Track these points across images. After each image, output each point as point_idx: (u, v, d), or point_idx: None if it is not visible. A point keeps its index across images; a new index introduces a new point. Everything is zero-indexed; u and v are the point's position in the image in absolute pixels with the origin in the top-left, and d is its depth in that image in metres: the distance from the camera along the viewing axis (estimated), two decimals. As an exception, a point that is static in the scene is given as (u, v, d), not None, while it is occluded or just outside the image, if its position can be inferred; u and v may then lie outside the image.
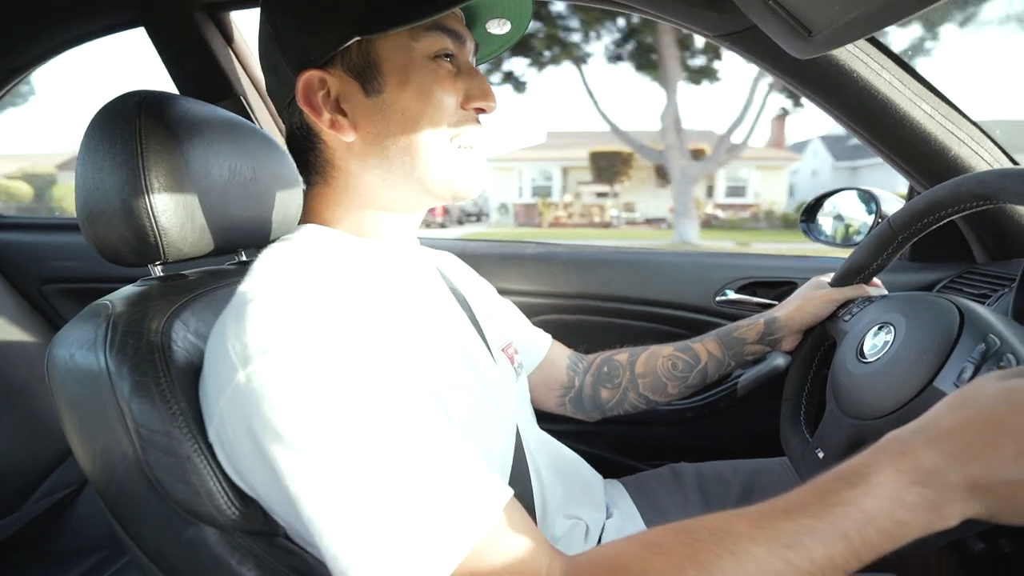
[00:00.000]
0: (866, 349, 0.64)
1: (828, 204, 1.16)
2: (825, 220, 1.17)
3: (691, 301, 1.10)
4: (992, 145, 0.85)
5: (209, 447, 0.47)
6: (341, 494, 0.38)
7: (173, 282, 0.58)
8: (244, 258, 0.74)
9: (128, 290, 0.56)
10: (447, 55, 0.53)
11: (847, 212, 1.14)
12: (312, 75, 0.51)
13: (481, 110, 0.55)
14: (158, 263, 0.58)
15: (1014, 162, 0.87)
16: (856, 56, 0.79)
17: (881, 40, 0.81)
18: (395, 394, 0.42)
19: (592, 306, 1.13)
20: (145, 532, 0.50)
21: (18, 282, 1.30)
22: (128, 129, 0.52)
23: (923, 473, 0.36)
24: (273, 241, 0.63)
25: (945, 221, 0.65)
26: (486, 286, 0.83)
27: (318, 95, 0.52)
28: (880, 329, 0.64)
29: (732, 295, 1.08)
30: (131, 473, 0.48)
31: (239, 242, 0.67)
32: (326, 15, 0.50)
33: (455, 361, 0.56)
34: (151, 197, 0.52)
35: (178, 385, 0.48)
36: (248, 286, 0.46)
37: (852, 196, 1.12)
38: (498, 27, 0.59)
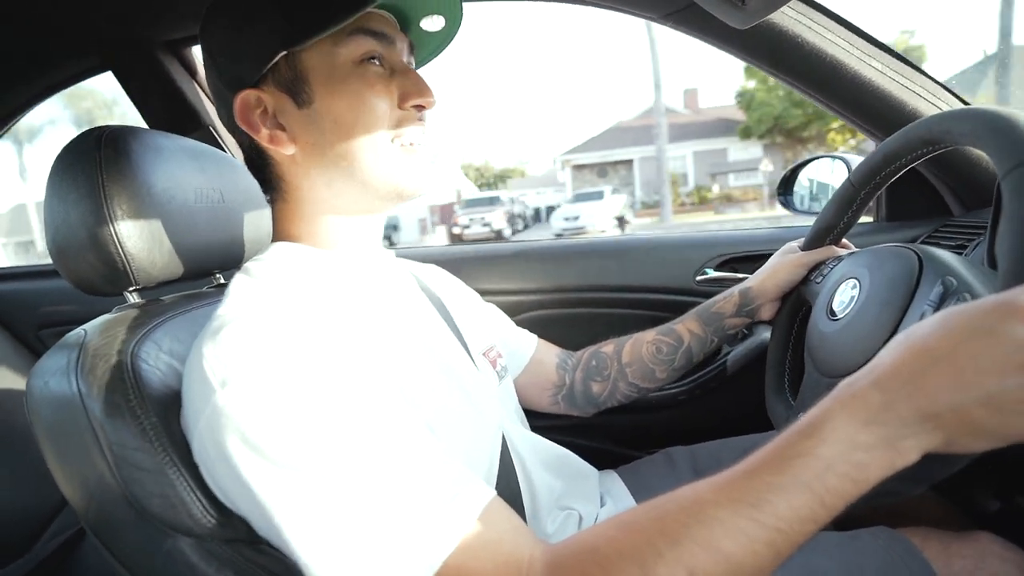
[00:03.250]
0: (835, 306, 0.64)
1: (802, 174, 1.17)
2: (800, 190, 1.17)
3: (672, 283, 1.10)
4: (948, 95, 0.85)
5: (182, 460, 0.48)
6: (316, 508, 0.39)
7: (148, 307, 0.60)
8: (221, 280, 0.75)
9: (102, 318, 0.57)
10: (374, 57, 0.54)
11: (821, 179, 1.14)
12: (247, 94, 0.53)
13: (420, 107, 0.56)
14: (131, 289, 0.59)
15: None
16: (799, 21, 0.80)
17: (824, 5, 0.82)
18: (366, 407, 0.43)
19: (574, 298, 1.14)
20: (126, 549, 0.51)
21: (16, 330, 1.33)
22: (89, 162, 0.54)
23: (873, 411, 0.36)
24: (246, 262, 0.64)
25: (902, 172, 0.65)
26: (469, 293, 0.84)
27: (255, 113, 0.53)
28: (847, 285, 0.64)
29: (712, 273, 1.08)
30: (108, 491, 0.49)
31: (213, 264, 0.68)
32: (250, 35, 0.52)
33: (429, 366, 0.57)
34: (115, 225, 0.54)
35: (148, 402, 0.49)
36: (223, 309, 0.48)
37: (825, 163, 1.13)
38: (431, 24, 0.60)
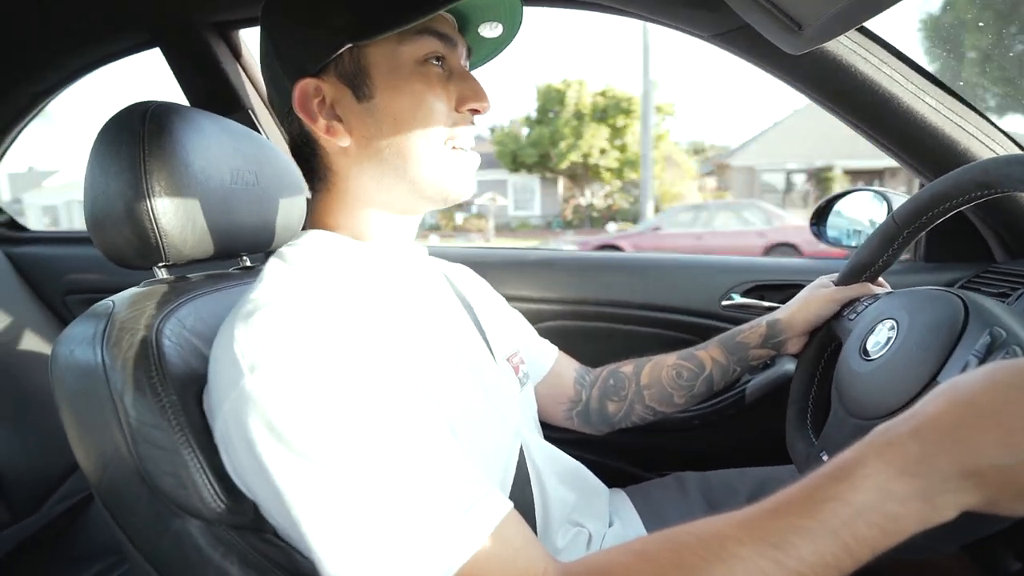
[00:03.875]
0: (869, 346, 0.62)
1: (838, 206, 1.14)
2: (835, 222, 1.15)
3: (696, 306, 1.08)
4: (1002, 136, 0.82)
5: (197, 441, 0.48)
6: (336, 503, 0.39)
7: (175, 284, 0.60)
8: (248, 263, 0.76)
9: (131, 291, 0.58)
10: (437, 58, 0.54)
11: (858, 213, 1.11)
12: (307, 83, 0.53)
13: (476, 111, 0.56)
14: (161, 265, 0.60)
15: None
16: (854, 51, 0.78)
17: (881, 36, 0.80)
18: (393, 405, 0.43)
19: (595, 312, 1.13)
20: (135, 524, 0.51)
21: (43, 293, 1.36)
22: (132, 137, 0.54)
23: (911, 462, 0.35)
24: (275, 246, 0.64)
25: (951, 213, 0.63)
26: (496, 296, 0.84)
27: (313, 102, 0.53)
28: (883, 325, 0.62)
29: (738, 299, 1.06)
30: (122, 465, 0.49)
31: (242, 247, 0.68)
32: (318, 25, 0.52)
33: (455, 364, 0.57)
34: (152, 200, 0.54)
35: (169, 380, 0.49)
36: (258, 293, 0.48)
37: (864, 197, 1.10)
38: (490, 30, 0.60)
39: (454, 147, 0.56)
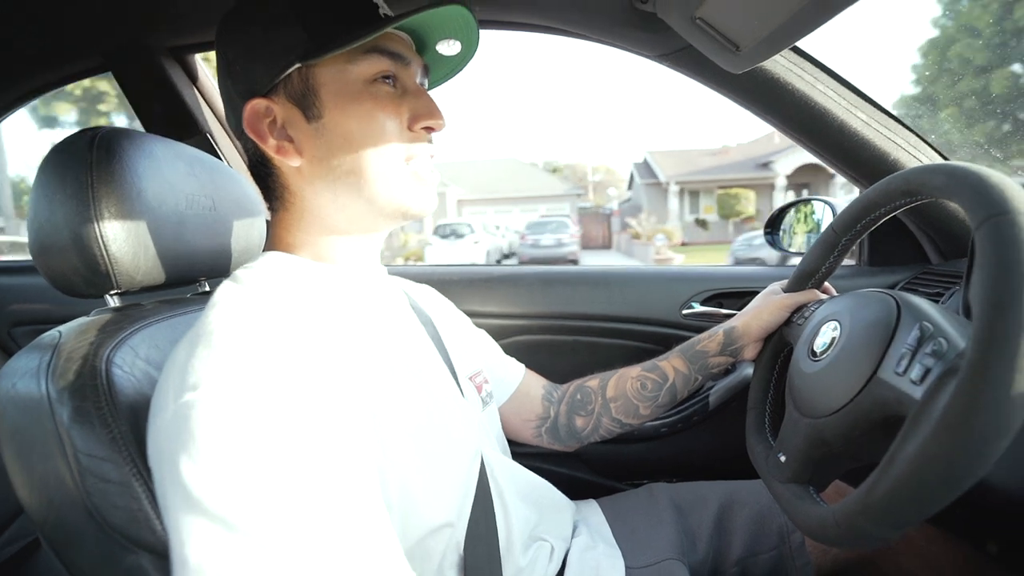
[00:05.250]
0: (816, 347, 0.64)
1: (789, 215, 1.20)
2: (786, 230, 1.20)
3: (658, 316, 1.11)
4: (928, 148, 0.88)
5: (149, 472, 0.46)
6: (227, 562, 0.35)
7: (127, 311, 0.59)
8: (206, 288, 0.75)
9: (79, 320, 0.56)
10: (387, 77, 0.54)
11: (804, 220, 1.17)
12: (257, 103, 0.53)
13: (430, 128, 0.57)
14: (113, 293, 0.58)
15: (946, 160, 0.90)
16: (790, 70, 0.83)
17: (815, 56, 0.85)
18: (326, 469, 0.39)
19: (560, 325, 1.14)
20: (84, 563, 0.49)
21: None
22: (80, 163, 0.53)
23: None
24: (234, 270, 0.63)
25: (882, 220, 0.67)
26: (460, 316, 0.84)
27: (264, 122, 0.53)
28: (828, 327, 0.65)
29: (698, 308, 1.09)
30: (68, 501, 0.47)
31: (199, 272, 0.67)
32: (267, 44, 0.52)
33: (408, 387, 0.56)
34: (101, 226, 0.53)
35: (119, 410, 0.48)
36: (209, 317, 0.46)
37: (810, 206, 1.16)
38: (448, 48, 0.61)
39: (410, 164, 0.56)
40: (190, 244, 0.63)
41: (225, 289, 0.52)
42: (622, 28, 0.83)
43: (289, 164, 0.54)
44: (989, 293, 0.40)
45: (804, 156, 16.14)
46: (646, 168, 22.74)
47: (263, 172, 0.57)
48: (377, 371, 0.53)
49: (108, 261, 0.54)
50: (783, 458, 0.64)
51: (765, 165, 18.79)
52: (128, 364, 0.51)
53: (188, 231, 0.62)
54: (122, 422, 0.47)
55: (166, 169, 0.60)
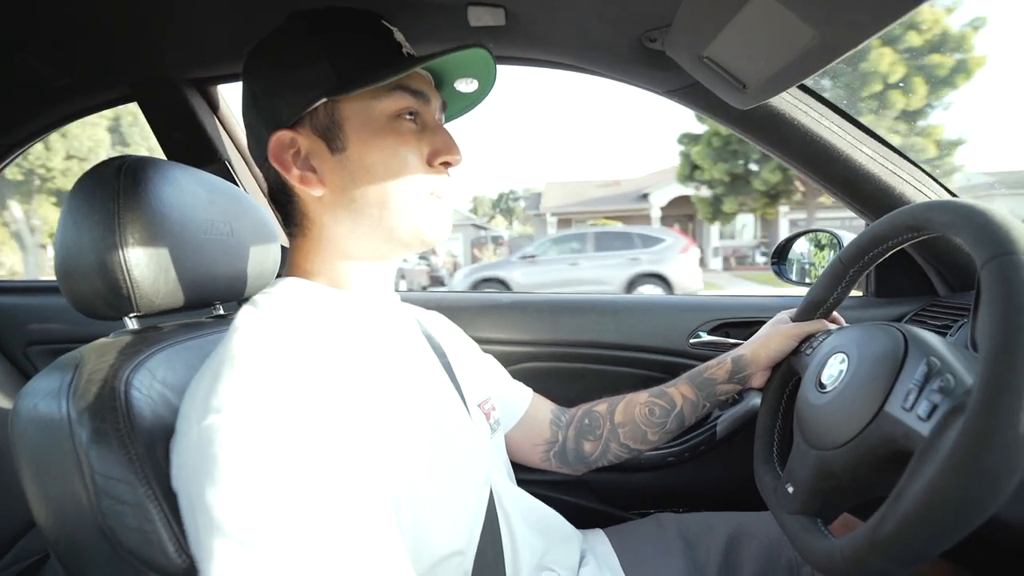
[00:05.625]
0: (824, 379, 0.64)
1: (796, 245, 1.21)
2: (793, 260, 1.21)
3: (665, 344, 1.11)
4: (933, 182, 0.89)
5: (164, 494, 0.47)
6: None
7: (146, 333, 0.60)
8: (221, 311, 0.76)
9: (100, 342, 0.57)
10: (410, 113, 0.56)
11: (812, 252, 1.18)
12: (283, 135, 0.55)
13: (448, 164, 0.59)
14: (132, 315, 0.59)
15: (953, 196, 0.91)
16: (796, 106, 0.85)
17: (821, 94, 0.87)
18: (337, 492, 0.41)
19: (568, 353, 1.15)
20: None
21: (3, 345, 1.31)
22: (107, 190, 0.55)
23: None
24: (248, 294, 0.64)
25: (889, 253, 0.68)
26: (469, 342, 0.85)
27: (288, 153, 0.55)
28: (835, 358, 0.65)
29: (705, 337, 1.10)
30: (83, 521, 0.48)
31: (215, 296, 0.69)
32: (295, 79, 0.54)
33: (421, 414, 0.57)
34: (125, 251, 0.55)
35: (137, 431, 0.49)
36: (232, 342, 0.48)
37: (817, 237, 1.17)
38: (466, 86, 0.63)
39: (432, 195, 0.58)
40: (208, 269, 0.65)
41: (246, 314, 0.54)
42: (632, 65, 0.86)
43: (311, 193, 0.56)
44: (995, 332, 0.41)
45: (677, 188, 17.06)
46: (536, 198, 23.64)
47: (283, 200, 0.59)
48: (392, 398, 0.54)
49: (130, 285, 0.56)
50: (791, 489, 0.64)
51: (644, 196, 19.52)
52: (146, 386, 0.52)
53: (207, 256, 0.64)
54: (139, 444, 0.48)
55: (188, 196, 0.62)
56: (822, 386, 0.64)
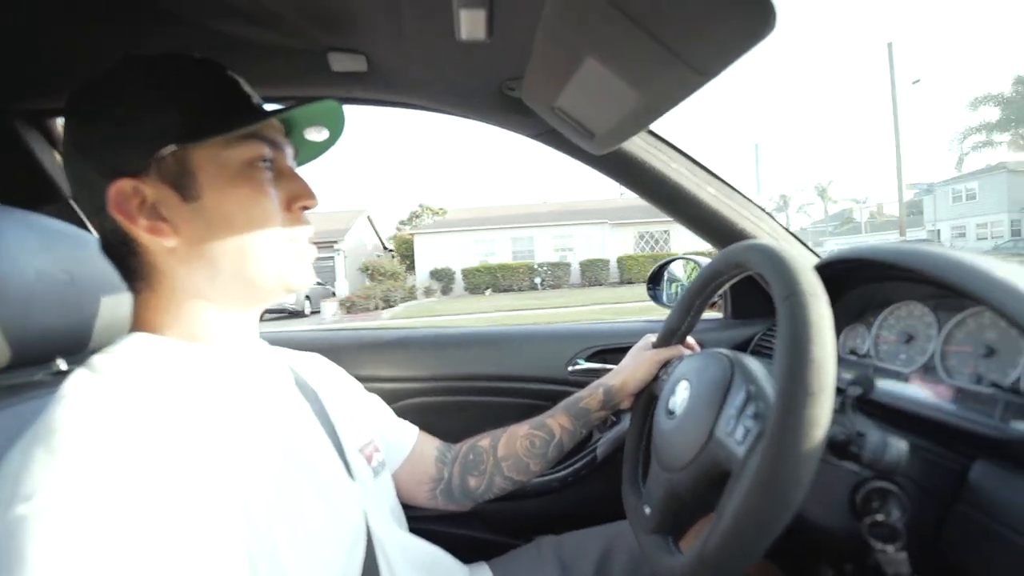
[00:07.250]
0: (671, 405, 0.69)
1: (667, 271, 1.31)
2: (664, 285, 1.31)
3: (545, 373, 1.15)
4: (770, 220, 1.01)
5: None
6: None
7: None
8: (63, 367, 0.68)
9: None
10: (264, 160, 0.55)
11: (679, 277, 1.28)
12: (124, 184, 0.51)
13: (305, 207, 0.58)
14: None
15: (791, 233, 1.04)
16: (647, 151, 0.93)
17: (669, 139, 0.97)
18: None
19: (452, 387, 1.15)
20: None
21: None
22: None
23: None
24: (95, 346, 0.59)
25: (726, 286, 0.76)
26: (349, 383, 0.82)
27: (132, 203, 0.51)
28: (680, 385, 0.70)
29: (583, 364, 1.15)
30: None
31: (54, 350, 0.63)
32: (139, 126, 0.51)
33: (284, 470, 0.54)
34: None
35: None
36: (56, 412, 0.43)
37: (683, 264, 1.28)
38: (316, 134, 0.63)
39: (292, 241, 0.57)
40: (40, 321, 0.59)
41: (77, 379, 0.48)
42: (496, 111, 0.90)
43: (162, 244, 0.52)
44: (784, 363, 0.47)
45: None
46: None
47: (123, 251, 0.54)
48: (250, 457, 0.51)
49: None
50: (647, 510, 0.67)
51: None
52: None
53: (36, 307, 0.58)
54: None
55: (11, 242, 0.57)
56: (671, 412, 0.69)
